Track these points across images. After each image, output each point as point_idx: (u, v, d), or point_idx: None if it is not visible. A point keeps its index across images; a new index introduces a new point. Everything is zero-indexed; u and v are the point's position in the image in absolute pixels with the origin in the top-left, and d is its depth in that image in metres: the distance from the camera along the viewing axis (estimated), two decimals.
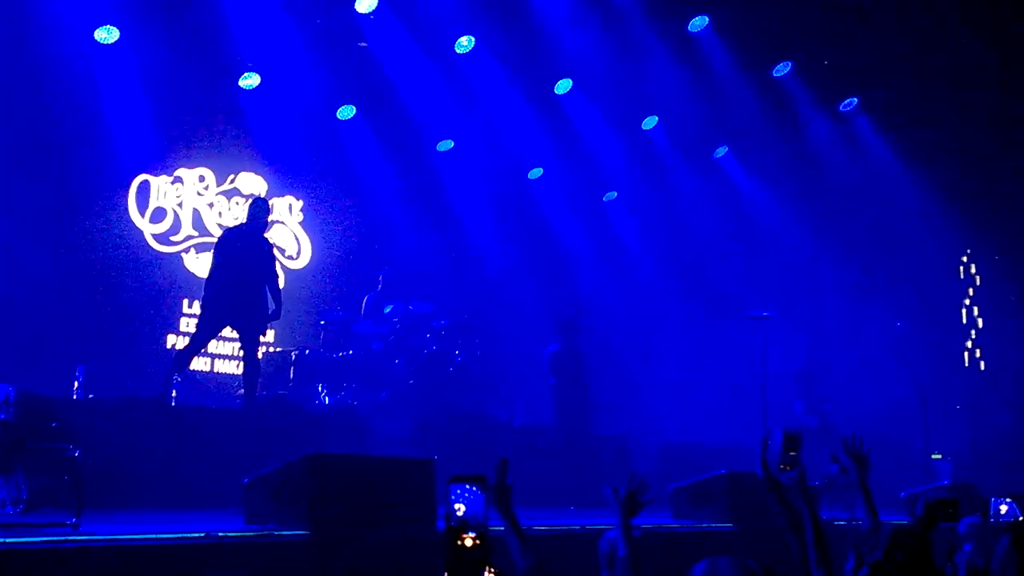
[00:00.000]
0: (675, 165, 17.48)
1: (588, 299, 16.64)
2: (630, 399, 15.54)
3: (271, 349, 14.21)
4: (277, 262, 11.98)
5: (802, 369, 15.25)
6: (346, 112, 15.68)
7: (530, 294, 16.30)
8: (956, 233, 17.43)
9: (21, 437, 7.11)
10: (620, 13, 14.97)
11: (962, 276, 18.15)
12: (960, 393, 17.14)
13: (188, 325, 14.25)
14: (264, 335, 12.20)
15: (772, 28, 15.29)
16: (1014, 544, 5.29)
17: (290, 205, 16.03)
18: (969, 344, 17.87)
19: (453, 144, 16.48)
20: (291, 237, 15.95)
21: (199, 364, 13.73)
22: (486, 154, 16.53)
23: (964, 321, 17.97)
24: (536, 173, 17.39)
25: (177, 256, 14.82)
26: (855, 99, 17.10)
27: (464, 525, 3.51)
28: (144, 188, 14.62)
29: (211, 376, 14.49)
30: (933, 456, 14.87)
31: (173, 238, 14.82)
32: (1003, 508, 6.83)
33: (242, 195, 15.33)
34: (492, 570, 3.53)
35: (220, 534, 6.46)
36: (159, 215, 14.72)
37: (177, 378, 11.14)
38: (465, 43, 15.04)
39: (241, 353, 11.71)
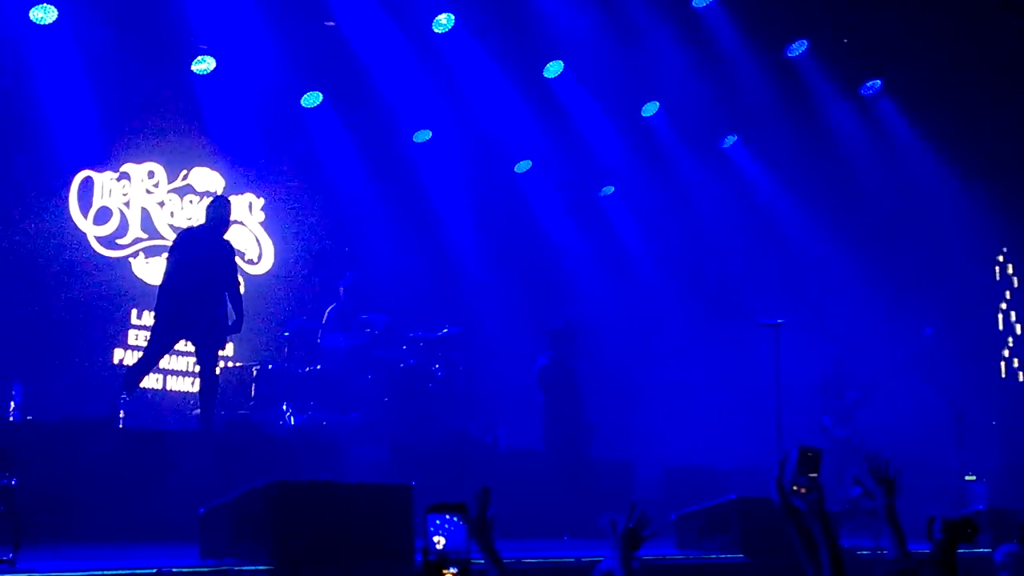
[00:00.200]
0: (678, 156, 17.52)
1: (582, 307, 16.62)
2: (630, 417, 15.57)
3: (230, 364, 14.18)
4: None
5: (828, 381, 15.33)
6: (312, 99, 15.65)
7: (518, 301, 16.31)
8: (991, 229, 17.50)
9: None
10: None
11: (998, 277, 18.24)
12: (996, 407, 17.19)
13: (138, 338, 14.24)
14: (223, 349, 12.20)
15: (786, 3, 15.33)
16: None
17: (250, 204, 16.02)
18: (1006, 352, 17.95)
19: (431, 134, 16.48)
20: (251, 239, 15.94)
21: (150, 381, 13.69)
22: (468, 145, 16.54)
23: (1000, 327, 18.04)
24: (524, 166, 17.42)
25: (124, 261, 14.79)
26: (878, 81, 17.16)
27: (444, 560, 3.52)
28: (87, 186, 14.59)
29: (163, 395, 14.46)
30: (967, 477, 14.92)
31: (120, 241, 14.79)
32: None
33: (196, 193, 15.32)
34: None
35: (174, 570, 6.46)
36: (104, 215, 14.69)
37: (125, 397, 11.13)
38: (444, 21, 15.01)
39: (197, 369, 11.69)
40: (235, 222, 15.15)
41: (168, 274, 11.42)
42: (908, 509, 4.97)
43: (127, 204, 14.90)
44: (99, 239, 14.63)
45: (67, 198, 14.38)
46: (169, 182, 15.27)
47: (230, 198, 12.53)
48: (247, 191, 15.98)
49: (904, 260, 17.57)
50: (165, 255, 12.04)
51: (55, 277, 13.93)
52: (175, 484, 9.35)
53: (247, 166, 15.78)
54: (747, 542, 9.24)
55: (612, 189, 18.19)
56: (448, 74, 15.48)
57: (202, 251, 11.31)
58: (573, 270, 17.66)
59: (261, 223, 16.10)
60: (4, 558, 6.49)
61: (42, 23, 13.33)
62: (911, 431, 14.96)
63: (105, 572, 6.23)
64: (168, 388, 14.61)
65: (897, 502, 5.27)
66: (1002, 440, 16.84)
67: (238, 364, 14.15)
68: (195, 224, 13.53)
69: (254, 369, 13.36)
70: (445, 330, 14.12)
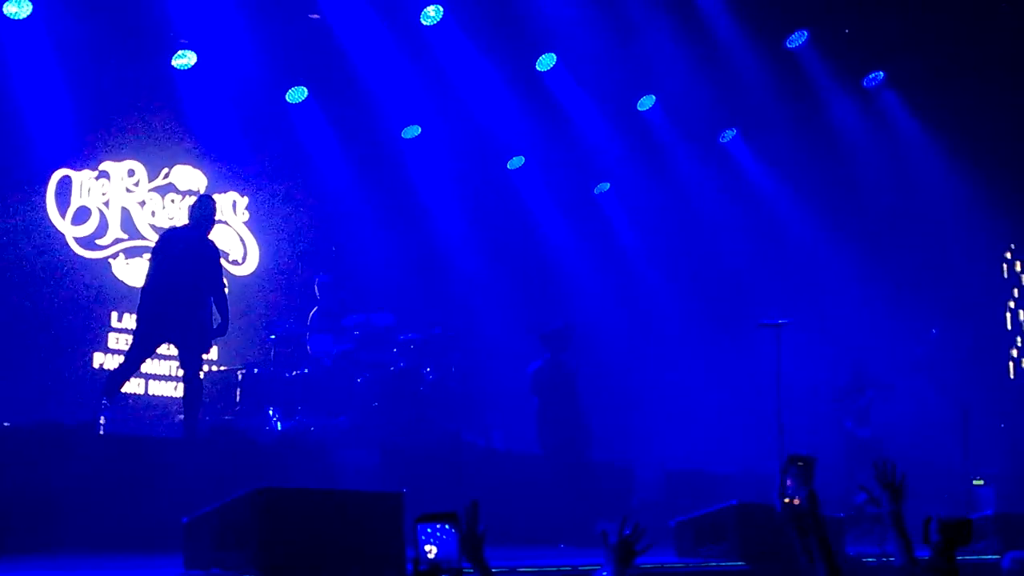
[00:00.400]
0: (676, 151, 17.53)
1: (578, 307, 16.63)
2: (628, 421, 15.58)
3: (214, 368, 14.19)
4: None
5: (846, 382, 15.39)
6: (297, 94, 15.64)
7: (511, 302, 16.30)
8: (998, 226, 17.52)
9: None
10: None
11: (1006, 275, 18.27)
12: (1004, 409, 17.21)
13: (118, 341, 14.22)
14: (207, 352, 12.17)
15: None
16: None
17: (234, 203, 16.00)
18: (1014, 352, 17.97)
19: (420, 130, 16.47)
20: (235, 239, 15.92)
21: (131, 386, 13.66)
22: (458, 141, 16.53)
23: (1008, 326, 18.06)
24: (517, 163, 17.42)
25: (104, 262, 14.77)
26: (881, 73, 17.18)
27: (436, 569, 3.52)
28: (64, 184, 14.56)
29: (145, 400, 14.45)
30: (974, 482, 14.95)
31: (99, 242, 14.77)
32: None
33: (178, 191, 15.30)
34: None
35: None
36: (82, 215, 14.66)
37: (106, 403, 11.10)
38: (432, 13, 15.01)
39: (180, 373, 11.68)
40: (219, 222, 15.18)
41: (151, 276, 11.38)
42: (915, 514, 4.95)
43: (106, 204, 14.87)
44: (78, 240, 14.60)
45: (44, 197, 14.34)
46: (150, 180, 15.24)
47: (214, 197, 12.50)
48: (231, 190, 15.94)
49: (908, 258, 17.58)
50: (147, 256, 12.02)
51: (32, 279, 13.89)
52: (158, 492, 9.30)
53: (230, 164, 15.74)
54: (747, 549, 9.23)
55: (608, 186, 18.18)
56: (437, 68, 15.46)
57: (186, 252, 11.27)
58: (568, 269, 17.65)
59: (245, 223, 16.07)
60: None
61: (16, 18, 13.28)
62: (917, 434, 14.99)
63: None
64: (150, 393, 14.59)
65: (903, 507, 5.27)
66: (1010, 443, 16.86)
67: (223, 368, 14.15)
68: (178, 224, 13.51)
69: (239, 373, 13.36)
70: (435, 331, 14.12)
